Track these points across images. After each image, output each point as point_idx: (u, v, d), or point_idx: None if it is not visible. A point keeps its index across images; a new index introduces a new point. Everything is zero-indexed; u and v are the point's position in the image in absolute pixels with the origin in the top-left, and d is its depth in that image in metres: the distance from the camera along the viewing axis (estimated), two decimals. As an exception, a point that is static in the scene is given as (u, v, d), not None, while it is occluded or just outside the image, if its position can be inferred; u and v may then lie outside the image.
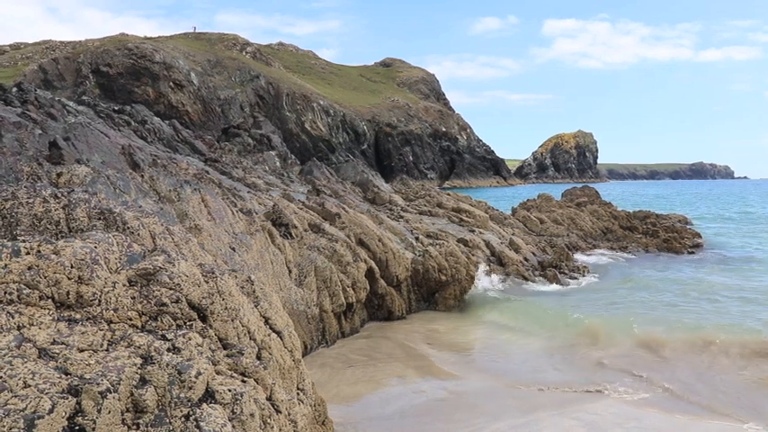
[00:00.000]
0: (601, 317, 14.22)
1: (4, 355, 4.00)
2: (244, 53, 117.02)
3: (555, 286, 18.99)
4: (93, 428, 3.90)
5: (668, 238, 27.95)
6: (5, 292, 4.57)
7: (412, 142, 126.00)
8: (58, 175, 9.36)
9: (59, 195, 6.21)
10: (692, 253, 26.45)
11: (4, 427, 3.50)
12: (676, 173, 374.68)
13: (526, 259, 21.24)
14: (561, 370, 11.13)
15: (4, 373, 3.85)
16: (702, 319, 13.98)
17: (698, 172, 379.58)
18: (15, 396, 3.72)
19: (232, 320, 5.75)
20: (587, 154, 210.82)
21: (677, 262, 23.82)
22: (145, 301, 5.19)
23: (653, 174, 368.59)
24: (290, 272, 13.83)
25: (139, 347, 4.68)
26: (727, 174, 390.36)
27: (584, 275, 20.68)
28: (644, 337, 12.47)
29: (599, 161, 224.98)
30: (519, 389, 10.12)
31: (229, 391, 4.73)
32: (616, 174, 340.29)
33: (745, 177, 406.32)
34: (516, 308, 16.09)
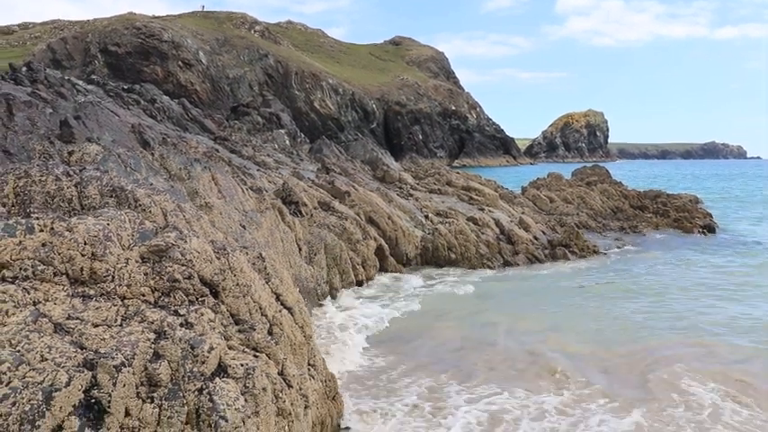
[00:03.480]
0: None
1: (21, 330, 4.06)
2: (252, 32, 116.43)
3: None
4: (109, 401, 3.97)
5: (679, 217, 27.81)
6: (21, 269, 4.64)
7: (421, 121, 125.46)
8: (70, 153, 9.41)
9: (71, 173, 6.25)
10: (704, 234, 26.12)
11: (23, 399, 3.57)
12: (688, 152, 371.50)
13: (536, 238, 21.22)
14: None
15: (22, 347, 3.92)
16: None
17: (710, 152, 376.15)
18: (33, 369, 3.79)
19: (243, 296, 5.81)
20: (598, 133, 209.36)
21: (687, 246, 23.34)
22: (157, 278, 5.24)
23: (664, 153, 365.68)
24: (300, 249, 13.89)
25: (152, 323, 4.74)
26: (739, 154, 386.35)
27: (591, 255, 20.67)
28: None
29: (610, 140, 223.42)
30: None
31: (242, 365, 4.79)
32: (627, 153, 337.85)
33: (758, 157, 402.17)
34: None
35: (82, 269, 4.90)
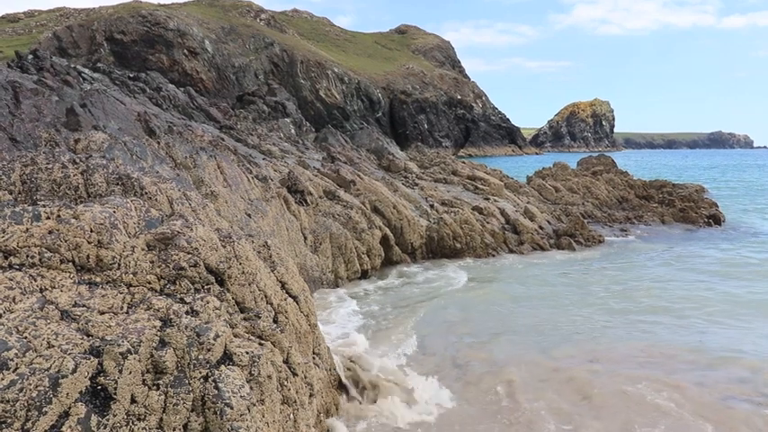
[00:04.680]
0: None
1: (28, 317, 4.08)
2: (258, 20, 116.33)
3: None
4: (115, 388, 3.99)
5: (684, 207, 27.70)
6: (27, 256, 4.66)
7: (427, 110, 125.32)
8: (76, 141, 9.43)
9: (78, 161, 6.26)
10: (709, 225, 25.87)
11: (30, 385, 3.59)
12: (694, 142, 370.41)
13: (541, 227, 21.20)
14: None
15: (29, 334, 3.93)
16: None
17: (716, 141, 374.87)
18: (40, 356, 3.81)
19: (249, 284, 5.82)
20: (604, 122, 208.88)
21: (690, 238, 22.96)
22: (163, 265, 5.26)
23: (670, 143, 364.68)
24: (305, 238, 13.91)
25: (158, 310, 4.76)
26: (746, 143, 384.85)
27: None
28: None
29: (615, 130, 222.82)
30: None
31: (247, 353, 4.81)
32: (633, 143, 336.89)
33: (765, 147, 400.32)
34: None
35: (88, 256, 4.91)
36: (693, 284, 15.18)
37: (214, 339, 4.65)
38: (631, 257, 18.88)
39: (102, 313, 4.55)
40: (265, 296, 5.97)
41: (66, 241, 4.85)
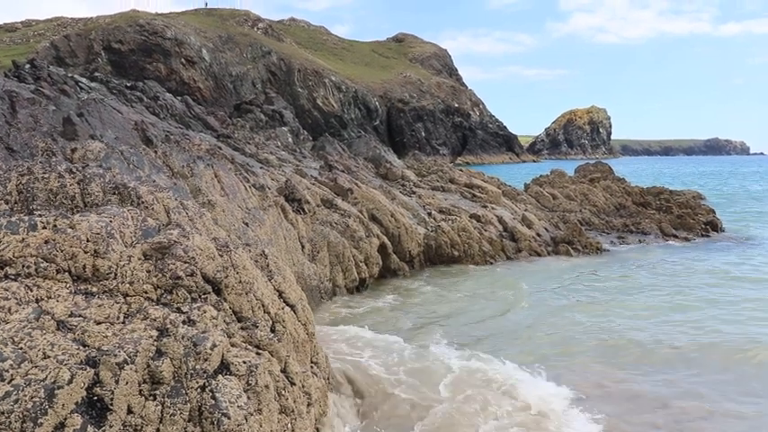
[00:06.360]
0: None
1: (24, 327, 4.06)
2: (255, 29, 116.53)
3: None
4: (112, 399, 3.97)
5: (682, 214, 27.68)
6: (23, 266, 4.64)
7: (424, 118, 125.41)
8: (73, 150, 9.42)
9: (74, 171, 6.25)
10: (707, 231, 25.70)
11: (25, 396, 3.57)
12: (691, 149, 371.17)
13: (539, 235, 21.19)
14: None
15: (24, 345, 3.92)
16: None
17: (713, 148, 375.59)
18: (35, 366, 3.79)
19: (246, 294, 5.80)
20: (601, 130, 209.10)
21: (687, 247, 22.61)
22: (160, 275, 5.24)
23: (667, 150, 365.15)
24: (302, 247, 13.89)
25: (155, 320, 4.74)
26: (742, 150, 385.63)
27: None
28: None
29: (612, 137, 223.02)
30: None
31: (244, 362, 4.79)
32: (630, 150, 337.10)
33: (762, 153, 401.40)
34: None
35: (84, 266, 4.90)
36: (663, 299, 14.39)
37: (211, 349, 4.63)
38: (617, 266, 18.43)
39: (98, 323, 4.53)
40: (263, 305, 5.95)
41: (62, 251, 4.83)
